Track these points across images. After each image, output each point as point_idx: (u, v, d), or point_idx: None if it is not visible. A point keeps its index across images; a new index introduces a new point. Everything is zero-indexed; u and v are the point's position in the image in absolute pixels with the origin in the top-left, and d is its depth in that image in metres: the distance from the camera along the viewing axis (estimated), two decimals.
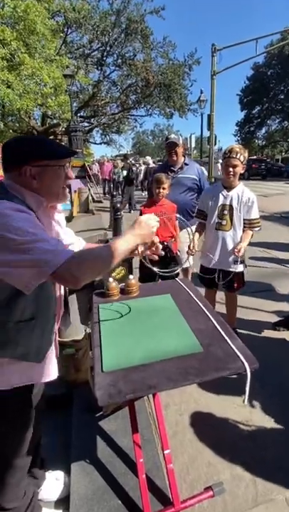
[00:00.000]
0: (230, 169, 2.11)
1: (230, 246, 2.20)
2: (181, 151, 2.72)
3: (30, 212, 0.84)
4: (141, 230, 0.94)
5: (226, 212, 2.20)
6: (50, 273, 0.75)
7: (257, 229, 2.21)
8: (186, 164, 2.74)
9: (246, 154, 2.13)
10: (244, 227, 2.20)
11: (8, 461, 1.01)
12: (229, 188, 2.21)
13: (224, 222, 2.22)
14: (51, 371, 1.05)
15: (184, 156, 2.79)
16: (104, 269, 0.87)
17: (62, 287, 1.09)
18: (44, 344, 0.99)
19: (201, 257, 2.41)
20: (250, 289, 2.99)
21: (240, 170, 2.12)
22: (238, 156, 2.07)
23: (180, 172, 2.72)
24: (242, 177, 2.21)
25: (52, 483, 1.33)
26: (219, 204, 2.22)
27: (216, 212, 2.24)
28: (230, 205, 2.19)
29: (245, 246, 2.15)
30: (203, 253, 2.34)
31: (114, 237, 0.97)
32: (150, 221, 0.97)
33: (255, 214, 2.18)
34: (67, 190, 0.99)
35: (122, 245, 0.88)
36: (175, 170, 2.73)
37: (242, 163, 2.10)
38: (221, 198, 2.22)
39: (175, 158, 2.70)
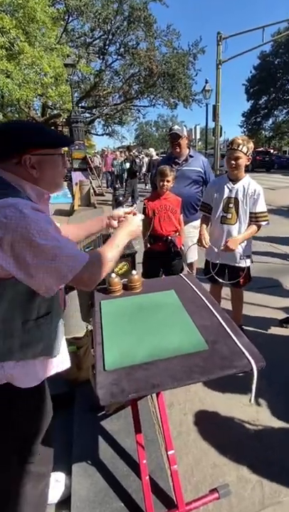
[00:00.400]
0: (233, 162, 2.03)
1: None
2: (186, 143, 2.63)
3: (43, 210, 0.81)
4: (131, 227, 1.07)
5: (231, 205, 2.13)
6: (71, 278, 0.79)
7: (264, 223, 2.12)
8: (190, 156, 2.66)
9: (251, 145, 2.05)
10: (250, 221, 2.12)
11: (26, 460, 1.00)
12: (235, 180, 2.13)
13: (229, 216, 2.14)
14: (65, 359, 1.05)
15: (189, 148, 2.70)
16: (111, 268, 0.95)
17: None
18: (59, 335, 0.99)
19: (207, 252, 2.34)
20: (256, 284, 2.92)
21: (244, 162, 2.04)
22: (240, 148, 1.99)
23: (185, 164, 2.65)
24: (246, 169, 2.13)
25: (52, 485, 1.29)
26: (224, 197, 2.15)
27: (221, 205, 2.16)
28: (236, 198, 2.11)
29: (240, 239, 2.07)
30: (209, 247, 2.27)
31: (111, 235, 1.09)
32: (135, 220, 1.12)
33: (261, 207, 2.10)
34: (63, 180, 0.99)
35: (122, 243, 1.00)
36: (179, 162, 2.65)
37: (246, 154, 2.02)
38: (227, 190, 2.14)
39: (178, 150, 2.61)
